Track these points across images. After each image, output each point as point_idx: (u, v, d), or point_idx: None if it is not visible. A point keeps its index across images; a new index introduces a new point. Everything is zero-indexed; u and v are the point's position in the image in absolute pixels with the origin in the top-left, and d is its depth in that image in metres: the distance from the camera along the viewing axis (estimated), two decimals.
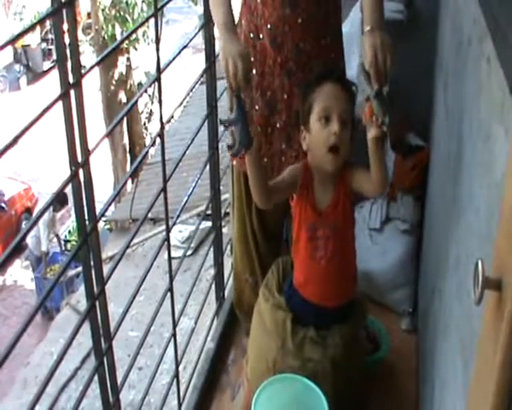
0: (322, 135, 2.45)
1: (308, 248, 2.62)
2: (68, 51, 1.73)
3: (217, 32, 2.63)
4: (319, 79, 2.50)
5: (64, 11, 1.69)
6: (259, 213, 3.17)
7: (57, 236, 12.11)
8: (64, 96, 1.73)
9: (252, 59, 2.81)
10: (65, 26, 1.72)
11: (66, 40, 1.73)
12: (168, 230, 2.78)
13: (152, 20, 2.49)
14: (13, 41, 1.62)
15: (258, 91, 2.90)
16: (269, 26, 2.79)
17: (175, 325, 2.97)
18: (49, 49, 21.11)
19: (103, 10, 12.87)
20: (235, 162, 3.11)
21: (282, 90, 2.88)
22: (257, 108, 2.93)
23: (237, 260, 3.40)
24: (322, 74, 2.53)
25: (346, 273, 2.73)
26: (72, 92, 1.76)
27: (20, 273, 13.85)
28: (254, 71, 2.85)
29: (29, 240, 11.45)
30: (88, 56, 13.83)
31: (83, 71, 1.81)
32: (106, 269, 2.19)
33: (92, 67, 2.00)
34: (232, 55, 2.41)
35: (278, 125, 2.93)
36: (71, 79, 1.75)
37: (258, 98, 2.92)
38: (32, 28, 1.74)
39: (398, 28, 3.93)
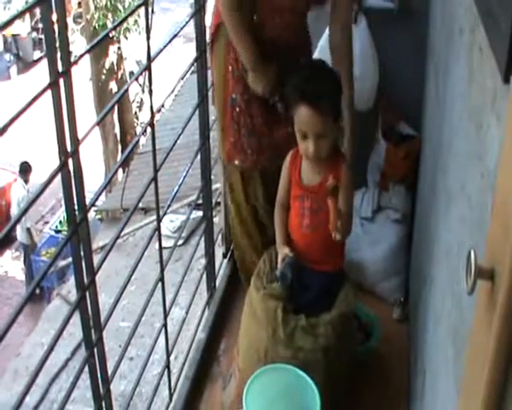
0: (301, 144, 2.65)
1: (297, 215, 2.80)
2: (57, 40, 1.72)
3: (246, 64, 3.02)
4: (296, 97, 2.62)
5: None
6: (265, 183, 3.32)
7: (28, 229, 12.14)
8: (53, 85, 1.71)
9: None
10: (55, 16, 1.70)
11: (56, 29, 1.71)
12: (159, 219, 2.77)
13: (143, 10, 2.48)
14: (0, 29, 1.60)
15: None
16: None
17: (166, 314, 2.97)
18: (40, 39, 20.96)
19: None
20: (237, 162, 3.24)
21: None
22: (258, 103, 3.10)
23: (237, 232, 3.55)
24: (298, 94, 2.61)
25: (329, 245, 2.79)
26: (61, 81, 1.74)
27: (11, 264, 13.81)
28: None
29: (18, 231, 11.50)
30: (80, 46, 13.74)
31: (72, 60, 1.80)
32: (97, 259, 2.18)
33: (81, 56, 1.99)
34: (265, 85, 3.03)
35: (281, 114, 3.09)
36: (60, 68, 1.73)
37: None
38: (19, 16, 1.72)
39: (389, 17, 3.92)
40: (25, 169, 11.59)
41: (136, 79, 9.19)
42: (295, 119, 2.61)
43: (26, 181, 11.53)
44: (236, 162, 3.21)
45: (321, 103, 2.54)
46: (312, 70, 2.72)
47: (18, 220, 1.86)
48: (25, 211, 1.82)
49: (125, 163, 8.13)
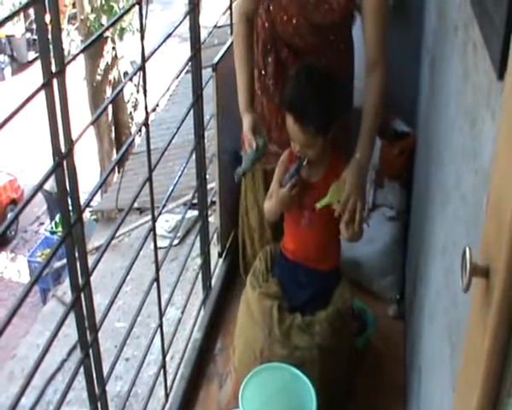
0: (291, 143, 2.62)
1: (295, 215, 2.78)
2: (51, 41, 1.71)
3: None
4: (284, 106, 2.59)
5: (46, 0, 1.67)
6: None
7: None
8: (47, 86, 1.71)
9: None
10: (48, 16, 1.70)
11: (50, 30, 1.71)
12: (154, 219, 2.76)
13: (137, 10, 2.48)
14: None
15: (272, 80, 2.95)
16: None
17: (161, 315, 2.96)
18: (34, 40, 20.94)
19: (90, 0, 12.77)
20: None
21: None
22: (270, 92, 3.05)
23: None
24: (286, 104, 2.58)
25: (326, 243, 2.82)
26: (55, 82, 1.74)
27: (7, 265, 13.79)
28: (270, 59, 2.90)
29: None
30: (77, 45, 13.72)
31: (66, 60, 1.79)
32: (92, 260, 2.18)
33: (75, 57, 1.98)
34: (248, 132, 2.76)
35: None
36: (54, 69, 1.73)
37: (271, 85, 3.02)
38: (13, 17, 1.72)
39: None
40: None
41: (131, 80, 9.18)
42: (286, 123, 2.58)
43: None
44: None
45: (306, 121, 2.49)
46: (310, 81, 2.54)
47: (13, 221, 1.85)
48: (20, 212, 1.82)
49: (120, 163, 8.12)
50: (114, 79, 13.71)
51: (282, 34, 2.87)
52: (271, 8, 2.83)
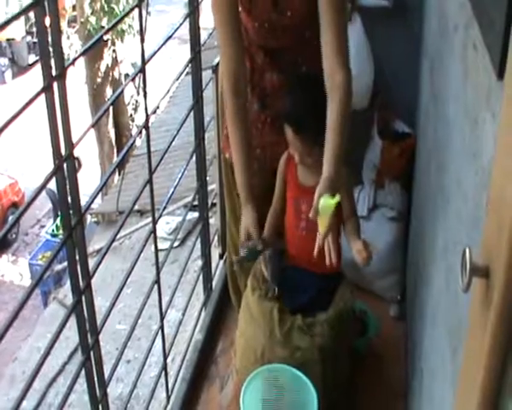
0: (290, 150, 2.67)
1: (294, 217, 2.79)
2: (51, 43, 1.71)
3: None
4: (282, 120, 2.62)
5: (46, 3, 1.67)
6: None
7: None
8: (47, 89, 1.71)
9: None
10: (48, 19, 1.70)
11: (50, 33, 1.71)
12: (154, 222, 2.76)
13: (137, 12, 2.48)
14: None
15: (249, 86, 2.88)
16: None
17: (162, 317, 2.97)
18: (34, 43, 20.97)
19: (90, 3, 12.78)
20: (227, 155, 3.11)
21: (271, 84, 2.86)
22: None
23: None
24: (283, 116, 2.62)
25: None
26: (55, 85, 1.74)
27: (8, 268, 13.79)
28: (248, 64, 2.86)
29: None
30: (77, 49, 13.72)
31: (66, 64, 1.79)
32: (93, 262, 2.18)
33: (75, 60, 1.99)
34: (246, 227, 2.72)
35: (269, 120, 2.90)
36: (54, 72, 1.73)
37: (249, 92, 2.89)
38: (13, 20, 1.72)
39: (384, 15, 3.92)
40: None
41: (132, 81, 9.20)
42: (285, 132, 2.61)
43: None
44: (227, 156, 3.14)
45: (303, 132, 2.53)
46: (304, 93, 2.60)
47: (14, 225, 1.85)
48: (20, 215, 1.82)
49: (120, 166, 8.12)
50: (115, 81, 13.71)
51: (256, 40, 2.83)
52: (242, 17, 2.79)
